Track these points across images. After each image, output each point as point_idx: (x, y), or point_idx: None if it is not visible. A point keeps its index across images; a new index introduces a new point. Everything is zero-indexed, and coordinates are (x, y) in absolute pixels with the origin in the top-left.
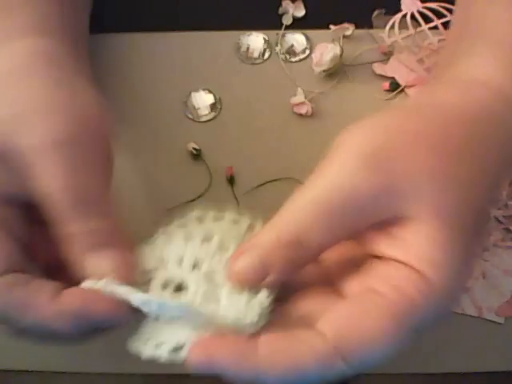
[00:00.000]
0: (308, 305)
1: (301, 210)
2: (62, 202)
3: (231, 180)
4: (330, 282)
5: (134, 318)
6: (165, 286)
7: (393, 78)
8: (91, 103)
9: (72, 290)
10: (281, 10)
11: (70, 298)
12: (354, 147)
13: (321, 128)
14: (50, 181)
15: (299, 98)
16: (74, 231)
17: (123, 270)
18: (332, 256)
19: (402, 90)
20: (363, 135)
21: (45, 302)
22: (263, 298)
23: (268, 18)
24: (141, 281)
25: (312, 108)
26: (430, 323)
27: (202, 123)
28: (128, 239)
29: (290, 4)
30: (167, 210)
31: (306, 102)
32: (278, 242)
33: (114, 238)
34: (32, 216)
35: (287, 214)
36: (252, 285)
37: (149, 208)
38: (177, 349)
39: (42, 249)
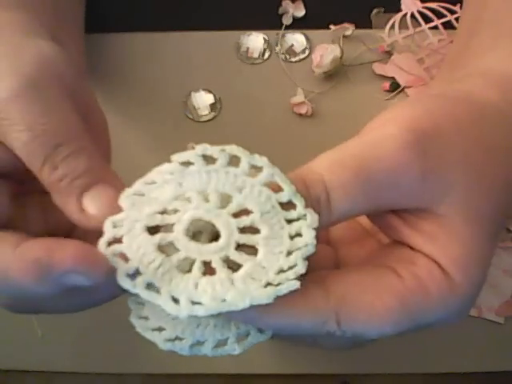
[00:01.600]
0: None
1: (337, 161)
2: (36, 149)
3: None
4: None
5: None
6: (188, 233)
7: (393, 77)
8: (51, 54)
9: (38, 238)
10: (281, 10)
11: (33, 245)
12: (406, 123)
13: (321, 128)
14: (18, 133)
15: (299, 97)
16: (55, 178)
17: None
18: (347, 243)
19: (402, 90)
20: (415, 114)
21: (7, 251)
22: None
23: (268, 18)
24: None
25: (312, 108)
26: (439, 324)
27: (201, 123)
28: (117, 176)
29: (290, 4)
30: None
31: (306, 101)
32: (305, 189)
33: (101, 175)
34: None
35: (320, 161)
36: None
37: None
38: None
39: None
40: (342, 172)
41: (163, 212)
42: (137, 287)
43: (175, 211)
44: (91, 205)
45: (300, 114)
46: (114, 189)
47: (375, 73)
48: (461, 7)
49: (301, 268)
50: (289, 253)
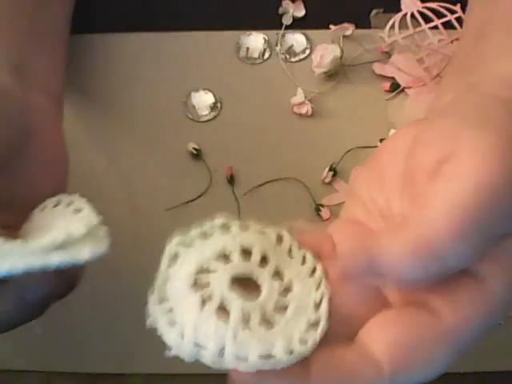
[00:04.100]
0: (348, 301)
1: (439, 214)
2: None
3: (231, 180)
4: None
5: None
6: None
7: (393, 77)
8: None
9: None
10: (281, 10)
11: None
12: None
13: (321, 128)
14: None
15: (299, 97)
16: None
17: None
18: None
19: (402, 90)
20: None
21: None
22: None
23: (268, 18)
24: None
25: (312, 108)
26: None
27: (202, 123)
28: None
29: (290, 4)
30: (166, 211)
31: (306, 101)
32: (413, 255)
33: None
34: None
35: (419, 219)
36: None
37: (149, 208)
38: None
39: None
40: (445, 221)
41: (205, 269)
42: (185, 346)
43: (216, 268)
44: None
45: (300, 114)
46: None
47: (375, 73)
48: (461, 7)
49: (316, 341)
50: (310, 323)
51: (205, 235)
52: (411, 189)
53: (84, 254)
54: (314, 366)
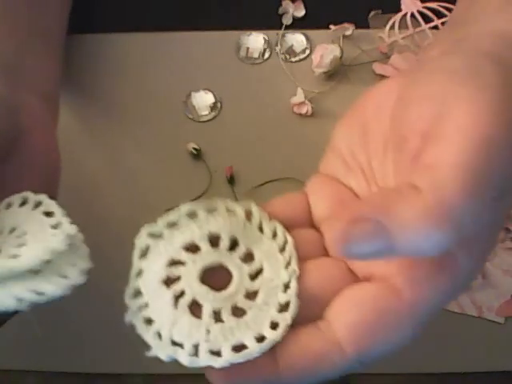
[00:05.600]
0: (319, 279)
1: (449, 177)
2: None
3: (231, 180)
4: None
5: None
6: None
7: None
8: None
9: None
10: (281, 10)
11: None
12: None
13: (321, 128)
14: None
15: (299, 97)
16: None
17: None
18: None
19: None
20: (484, 123)
21: None
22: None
23: (268, 18)
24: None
25: (312, 108)
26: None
27: (202, 123)
28: None
29: (290, 4)
30: (166, 211)
31: (306, 101)
32: (431, 222)
33: None
34: None
35: (431, 184)
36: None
37: (148, 208)
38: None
39: None
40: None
41: (175, 261)
42: (162, 347)
43: (186, 260)
44: None
45: (300, 114)
46: None
47: (375, 73)
48: None
49: (287, 325)
50: (280, 305)
51: (173, 224)
52: (401, 152)
53: (75, 277)
54: (281, 355)
